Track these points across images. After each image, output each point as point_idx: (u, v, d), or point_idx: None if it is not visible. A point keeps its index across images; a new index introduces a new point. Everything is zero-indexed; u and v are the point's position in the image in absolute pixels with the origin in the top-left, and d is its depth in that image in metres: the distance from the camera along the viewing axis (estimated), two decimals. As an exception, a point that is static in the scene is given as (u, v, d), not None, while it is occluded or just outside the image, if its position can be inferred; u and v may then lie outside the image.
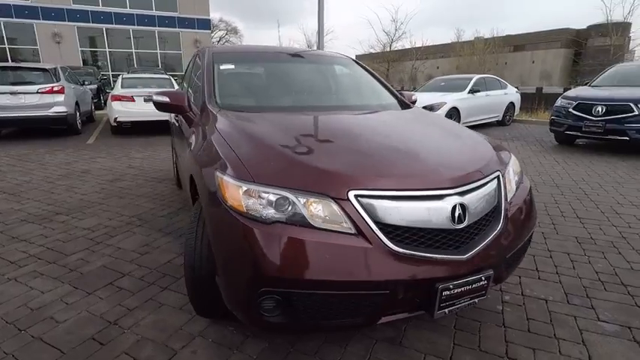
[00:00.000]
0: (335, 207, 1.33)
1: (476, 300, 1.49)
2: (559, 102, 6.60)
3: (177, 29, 22.00)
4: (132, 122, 7.77)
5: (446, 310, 1.42)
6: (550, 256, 2.65)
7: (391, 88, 2.88)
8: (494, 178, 1.65)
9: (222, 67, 2.51)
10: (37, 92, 7.11)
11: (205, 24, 22.95)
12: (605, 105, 5.76)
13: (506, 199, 1.65)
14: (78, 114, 8.20)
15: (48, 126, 7.57)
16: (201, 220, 1.68)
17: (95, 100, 11.54)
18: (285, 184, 1.37)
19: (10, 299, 2.10)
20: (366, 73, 2.98)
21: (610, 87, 6.43)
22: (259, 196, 1.36)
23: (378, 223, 1.33)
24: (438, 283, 1.36)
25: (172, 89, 2.74)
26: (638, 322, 1.92)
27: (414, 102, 2.84)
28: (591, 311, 2.02)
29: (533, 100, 12.61)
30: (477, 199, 1.50)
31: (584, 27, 56.12)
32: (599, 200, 3.83)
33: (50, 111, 7.24)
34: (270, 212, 1.34)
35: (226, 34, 42.74)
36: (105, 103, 13.56)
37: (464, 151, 1.73)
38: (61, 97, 7.32)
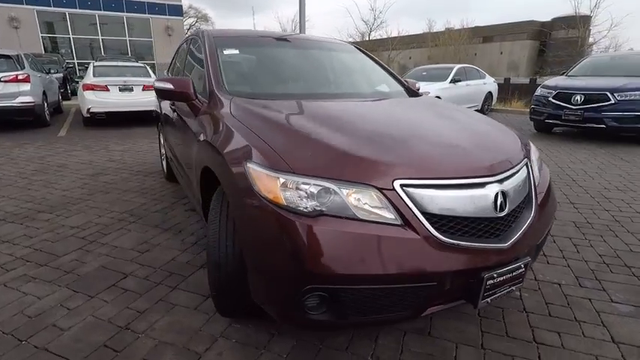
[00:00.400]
0: (380, 197, 1.27)
1: (514, 288, 1.48)
2: (539, 91, 6.80)
3: (147, 15, 20.91)
4: (106, 113, 7.34)
5: (488, 300, 1.40)
6: (554, 240, 2.71)
7: (397, 75, 2.83)
8: (524, 165, 1.64)
9: (226, 52, 2.36)
10: (0, 81, 6.57)
11: (177, 10, 21.96)
12: (583, 94, 5.98)
13: (535, 185, 1.65)
14: (46, 104, 7.66)
15: (13, 118, 7.02)
16: (225, 214, 1.57)
17: (62, 90, 10.83)
18: (327, 174, 1.29)
19: (3, 306, 1.91)
20: (370, 60, 2.91)
21: (586, 77, 6.68)
22: (299, 188, 1.28)
23: (424, 213, 1.28)
24: (483, 272, 1.33)
25: (177, 77, 2.54)
26: (649, 301, 2.00)
27: (418, 90, 2.80)
28: (603, 293, 2.08)
29: (502, 90, 13.01)
30: (513, 186, 1.49)
31: (549, 19, 58.49)
32: (587, 186, 3.97)
33: (15, 101, 6.71)
34: (312, 204, 1.26)
35: (196, 21, 41.25)
36: (72, 93, 12.79)
37: (494, 138, 1.70)
38: (26, 87, 6.79)
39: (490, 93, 10.32)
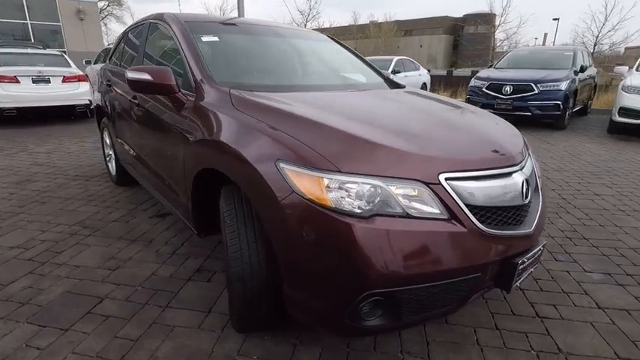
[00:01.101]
0: (427, 192, 1.23)
1: (532, 269, 1.57)
2: (473, 82, 7.36)
3: (51, -4, 18.33)
4: (17, 109, 6.28)
5: (517, 283, 1.46)
6: (521, 220, 2.96)
7: (374, 66, 2.81)
8: (530, 153, 1.73)
9: (204, 39, 2.11)
10: None
11: (89, -9, 19.58)
12: (512, 85, 6.61)
13: (538, 172, 1.76)
14: None
15: None
16: (244, 221, 1.41)
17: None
18: (374, 171, 1.21)
19: (-53, 357, 1.52)
20: (348, 50, 2.85)
21: (511, 69, 7.39)
22: (345, 188, 1.19)
23: (467, 205, 1.28)
24: (517, 258, 1.38)
25: (153, 66, 2.16)
26: (612, 268, 2.27)
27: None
28: (576, 265, 2.32)
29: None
30: (530, 174, 1.56)
31: (461, 15, 63.81)
32: (529, 168, 4.41)
33: None
34: (360, 204, 1.18)
35: (108, 5, 37.15)
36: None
37: (505, 129, 1.77)
38: None
39: (425, 84, 10.94)
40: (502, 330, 1.74)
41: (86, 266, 2.21)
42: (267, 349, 1.60)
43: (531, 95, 6.44)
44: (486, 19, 57.25)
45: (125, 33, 3.18)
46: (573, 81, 6.56)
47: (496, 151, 1.45)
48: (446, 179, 1.26)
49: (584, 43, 15.19)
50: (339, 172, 1.20)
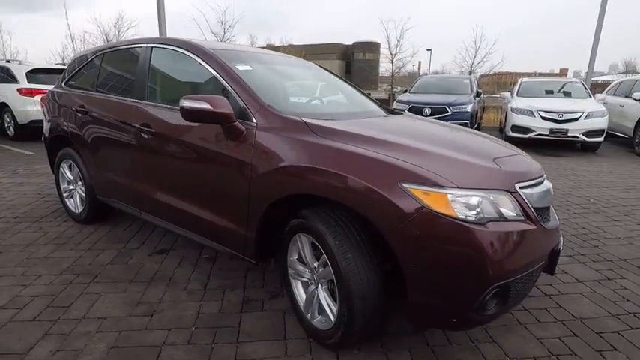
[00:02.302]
0: (510, 199, 1.53)
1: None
2: (395, 105, 8.29)
3: None
4: None
5: (556, 267, 1.86)
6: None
7: (365, 93, 3.11)
8: None
9: (240, 68, 2.13)
10: None
11: None
12: (430, 107, 7.67)
13: None
14: None
15: None
16: (358, 240, 1.53)
17: None
18: (479, 185, 1.47)
19: None
20: (340, 79, 3.10)
21: (424, 93, 8.55)
22: (462, 201, 1.41)
23: (532, 208, 1.62)
24: (558, 245, 1.77)
25: (209, 95, 1.90)
26: (570, 249, 2.92)
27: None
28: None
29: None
30: None
31: (351, 43, 70.09)
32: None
33: None
34: (477, 213, 1.42)
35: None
36: None
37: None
38: None
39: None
40: (529, 309, 2.14)
41: (116, 316, 1.96)
42: (367, 358, 1.69)
43: (446, 116, 7.56)
44: (372, 48, 64.06)
45: (99, 56, 2.88)
46: (474, 103, 7.93)
47: (535, 164, 1.85)
48: (520, 188, 1.59)
49: (462, 71, 18.36)
50: (458, 187, 1.42)
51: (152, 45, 2.47)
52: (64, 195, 3.24)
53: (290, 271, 1.95)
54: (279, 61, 2.72)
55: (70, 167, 3.12)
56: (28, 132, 7.05)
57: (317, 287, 1.79)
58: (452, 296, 1.43)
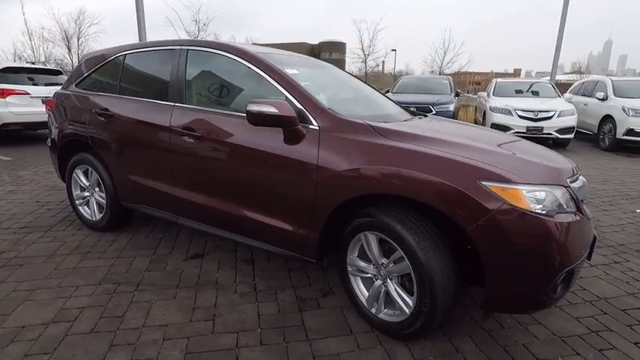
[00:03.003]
0: (565, 193, 1.69)
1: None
2: (380, 104, 8.50)
3: None
4: None
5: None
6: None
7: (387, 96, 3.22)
8: None
9: (290, 72, 2.16)
10: None
11: None
12: (416, 106, 7.92)
13: None
14: None
15: None
16: (436, 235, 1.63)
17: None
18: (545, 181, 1.62)
19: None
20: (358, 79, 3.19)
21: (407, 93, 8.83)
22: (534, 195, 1.55)
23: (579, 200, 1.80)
24: (595, 234, 1.97)
25: (272, 99, 1.89)
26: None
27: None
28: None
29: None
30: None
31: (317, 43, 70.55)
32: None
33: None
34: (546, 206, 1.56)
35: None
36: None
37: None
38: None
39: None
40: (558, 293, 2.34)
41: (177, 323, 1.93)
42: (433, 348, 1.80)
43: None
44: (338, 47, 64.75)
45: (119, 57, 2.77)
46: (455, 103, 8.30)
47: (570, 161, 2.03)
48: (570, 182, 1.76)
49: (432, 71, 19.10)
50: (529, 184, 1.56)
51: (188, 47, 2.43)
52: (77, 202, 3.09)
53: (349, 269, 2.01)
54: (309, 64, 2.76)
55: (85, 173, 2.99)
56: (1, 136, 6.56)
57: (385, 282, 1.87)
58: (528, 283, 1.57)
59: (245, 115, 1.91)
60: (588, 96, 8.50)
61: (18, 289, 2.20)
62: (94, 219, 3.01)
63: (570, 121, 7.24)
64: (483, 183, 1.54)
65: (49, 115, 3.18)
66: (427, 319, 1.67)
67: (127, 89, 2.70)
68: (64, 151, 3.06)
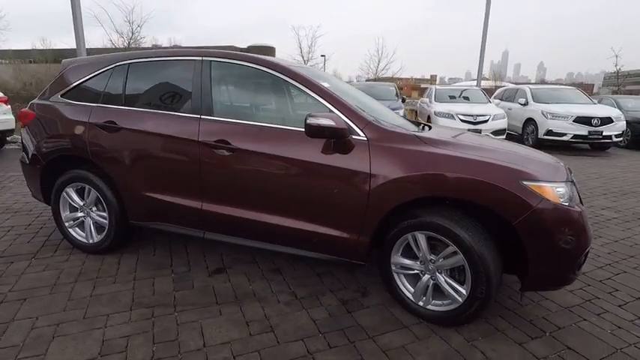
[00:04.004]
0: (572, 188, 2.06)
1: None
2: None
3: None
4: None
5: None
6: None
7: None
8: None
9: (326, 86, 2.25)
10: None
11: None
12: (369, 112, 8.38)
13: None
14: None
15: None
16: (481, 233, 1.88)
17: None
18: (561, 178, 1.96)
19: None
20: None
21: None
22: (558, 191, 1.88)
23: None
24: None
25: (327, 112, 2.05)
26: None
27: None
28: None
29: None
30: None
31: (245, 47, 69.38)
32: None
33: None
34: (565, 199, 1.89)
35: None
36: None
37: None
38: None
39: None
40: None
41: (238, 339, 1.91)
42: (478, 330, 2.04)
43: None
44: (267, 52, 64.54)
45: (121, 66, 2.59)
46: (403, 109, 8.94)
47: None
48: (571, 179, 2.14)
49: (368, 78, 20.21)
50: (555, 181, 1.88)
51: (211, 59, 2.39)
52: (67, 224, 2.79)
53: (393, 268, 2.18)
54: (326, 77, 2.86)
55: (79, 192, 2.72)
56: None
57: (433, 276, 2.06)
58: (562, 264, 1.89)
59: (283, 127, 2.02)
60: (511, 101, 9.78)
61: (38, 325, 1.97)
62: (90, 241, 2.75)
63: (502, 123, 8.28)
64: (524, 183, 1.83)
65: (27, 129, 2.82)
66: (482, 303, 1.91)
67: (135, 100, 2.54)
68: (49, 169, 2.74)
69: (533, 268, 1.88)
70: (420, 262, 2.10)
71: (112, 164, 2.52)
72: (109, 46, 15.39)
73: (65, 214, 2.79)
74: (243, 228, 2.33)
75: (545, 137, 8.09)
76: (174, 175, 2.40)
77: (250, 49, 67.93)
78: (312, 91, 2.18)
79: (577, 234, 1.86)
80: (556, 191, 1.86)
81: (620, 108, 8.89)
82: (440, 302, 2.08)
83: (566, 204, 1.86)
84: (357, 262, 2.17)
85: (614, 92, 19.30)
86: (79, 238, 2.79)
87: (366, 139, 2.05)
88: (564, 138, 7.80)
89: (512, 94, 10.02)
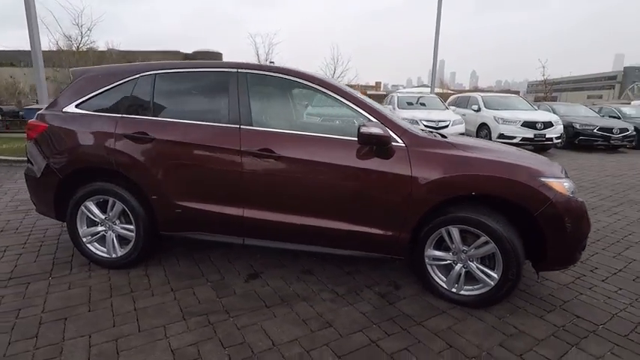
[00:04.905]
0: (570, 182, 2.45)
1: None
2: (306, 117, 9.02)
3: None
4: None
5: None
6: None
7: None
8: None
9: (364, 97, 2.46)
10: None
11: None
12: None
13: None
14: None
15: None
16: (507, 226, 2.18)
17: None
18: (565, 175, 2.34)
19: None
20: None
21: (325, 106, 9.54)
22: (565, 185, 2.24)
23: None
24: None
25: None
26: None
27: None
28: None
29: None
30: None
31: (191, 52, 67.23)
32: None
33: None
34: (571, 192, 2.27)
35: None
36: None
37: None
38: None
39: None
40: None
41: (303, 336, 2.03)
42: (503, 309, 2.34)
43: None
44: (214, 57, 63.12)
45: (146, 77, 2.56)
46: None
47: None
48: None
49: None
50: (562, 177, 2.25)
51: (246, 71, 2.48)
52: (85, 239, 2.68)
53: (426, 260, 2.42)
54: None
55: (100, 205, 2.63)
56: None
57: (465, 264, 2.33)
58: (572, 246, 2.25)
59: (323, 135, 2.28)
60: (464, 108, 10.68)
61: (95, 342, 1.92)
62: (113, 256, 2.66)
63: (461, 128, 9.04)
64: (542, 179, 2.17)
65: (36, 141, 2.66)
66: (512, 285, 2.21)
67: (166, 111, 2.54)
68: (66, 183, 2.62)
69: (551, 251, 2.23)
70: (453, 253, 2.36)
71: (142, 175, 2.49)
72: (54, 49, 14.14)
73: (83, 229, 2.67)
74: (287, 232, 2.44)
75: (498, 140, 8.97)
76: (214, 184, 2.44)
77: (196, 54, 65.90)
78: (352, 102, 2.38)
79: (582, 220, 2.24)
80: (564, 185, 2.23)
81: (555, 113, 10.13)
82: (471, 287, 2.35)
83: (572, 195, 2.24)
84: (396, 257, 2.39)
85: (542, 99, 21.67)
86: (100, 253, 2.68)
87: (404, 145, 2.28)
88: (514, 140, 8.72)
89: (464, 101, 10.96)
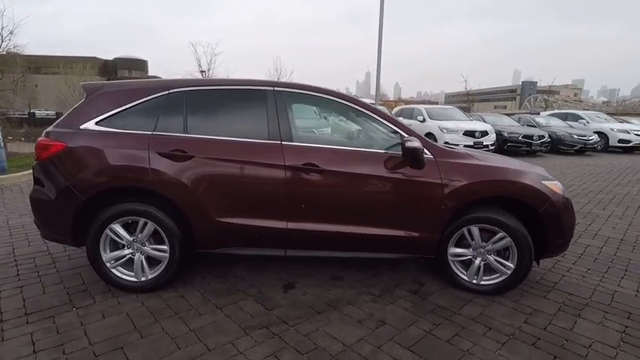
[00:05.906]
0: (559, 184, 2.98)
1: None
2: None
3: None
4: None
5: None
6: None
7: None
8: None
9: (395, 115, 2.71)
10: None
11: None
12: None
13: None
14: None
15: None
16: (518, 224, 2.59)
17: None
18: (554, 177, 2.84)
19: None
20: None
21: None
22: (557, 186, 2.74)
23: None
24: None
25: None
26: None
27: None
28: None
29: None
30: None
31: (111, 58, 62.02)
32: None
33: None
34: (563, 191, 2.76)
35: None
36: None
37: None
38: None
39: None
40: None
41: (365, 335, 2.19)
42: (514, 294, 2.74)
43: (315, 137, 9.01)
44: (138, 65, 59.18)
45: (178, 94, 2.53)
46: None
47: None
48: None
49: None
50: (555, 180, 2.74)
51: (282, 89, 2.59)
52: (109, 265, 2.52)
53: (449, 257, 2.74)
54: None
55: (127, 227, 2.50)
56: None
57: (484, 258, 2.69)
58: (567, 235, 2.73)
59: (362, 149, 2.57)
60: (409, 118, 11.60)
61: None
62: (142, 279, 2.54)
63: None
64: (543, 182, 2.63)
65: (50, 161, 2.44)
66: (526, 272, 2.62)
67: (200, 128, 2.53)
68: (89, 205, 2.44)
69: (552, 242, 2.69)
70: (473, 248, 2.71)
71: (181, 193, 2.44)
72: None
73: (106, 254, 2.51)
74: (330, 241, 2.58)
75: (443, 147, 9.95)
76: (257, 199, 2.50)
77: (117, 61, 61.05)
78: (386, 120, 2.63)
79: (571, 214, 2.75)
80: (558, 185, 2.72)
81: (485, 122, 11.52)
82: (489, 277, 2.72)
83: (563, 194, 2.73)
84: (429, 257, 2.67)
85: (466, 109, 24.18)
86: (125, 277, 2.54)
87: (433, 157, 2.59)
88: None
89: (409, 112, 11.92)
